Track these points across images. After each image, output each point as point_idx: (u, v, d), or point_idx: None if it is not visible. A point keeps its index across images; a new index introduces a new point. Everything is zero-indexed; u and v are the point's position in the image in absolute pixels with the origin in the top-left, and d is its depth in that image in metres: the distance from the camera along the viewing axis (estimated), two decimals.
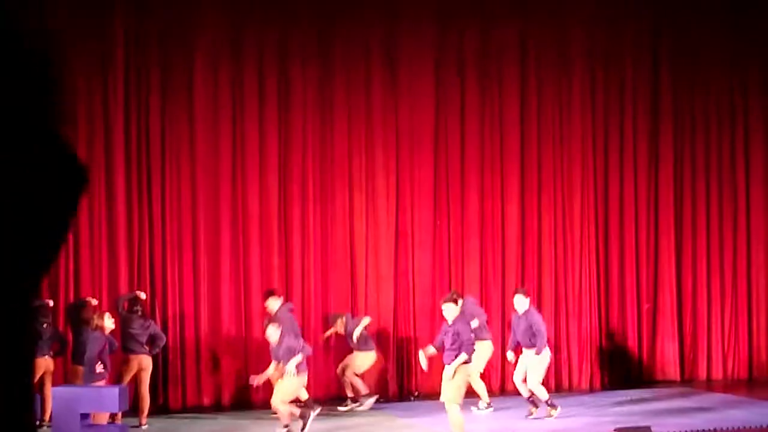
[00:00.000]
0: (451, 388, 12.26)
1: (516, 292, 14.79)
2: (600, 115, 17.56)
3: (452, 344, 12.25)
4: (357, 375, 15.17)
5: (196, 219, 15.97)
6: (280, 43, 16.27)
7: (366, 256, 16.61)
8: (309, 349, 13.67)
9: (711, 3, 17.91)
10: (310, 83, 16.40)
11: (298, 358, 13.28)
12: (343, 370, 15.21)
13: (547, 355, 14.28)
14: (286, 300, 15.39)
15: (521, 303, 14.44)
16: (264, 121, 16.22)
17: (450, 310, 12.53)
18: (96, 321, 13.21)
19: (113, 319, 13.43)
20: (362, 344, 15.20)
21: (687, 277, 17.88)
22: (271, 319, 14.04)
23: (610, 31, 17.58)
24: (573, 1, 17.46)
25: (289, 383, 13.26)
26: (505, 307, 15.67)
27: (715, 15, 17.88)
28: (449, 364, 12.23)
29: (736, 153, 18.09)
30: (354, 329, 15.19)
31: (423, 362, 12.81)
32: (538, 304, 16.97)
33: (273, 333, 13.53)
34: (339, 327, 15.44)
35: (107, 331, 13.15)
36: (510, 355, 14.59)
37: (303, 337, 14.76)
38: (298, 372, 13.27)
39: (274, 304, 14.62)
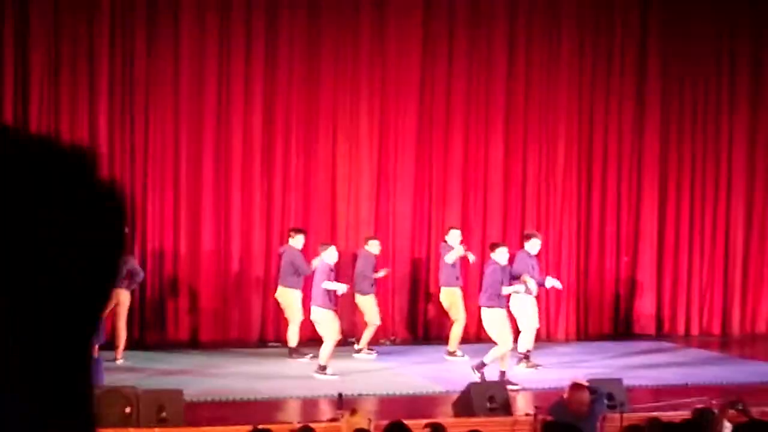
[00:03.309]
0: None
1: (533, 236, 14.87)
2: (587, 66, 17.51)
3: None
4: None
5: (179, 156, 15.92)
6: None
7: (347, 199, 16.61)
8: None
9: None
10: (298, 25, 16.29)
11: None
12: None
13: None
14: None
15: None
16: (250, 61, 16.13)
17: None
18: None
19: None
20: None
21: (669, 232, 17.92)
22: None
23: None
24: None
25: None
26: (485, 254, 15.66)
27: None
28: None
29: (721, 110, 18.08)
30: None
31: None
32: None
33: None
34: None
35: None
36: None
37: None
38: None
39: None
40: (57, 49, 15.37)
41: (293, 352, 14.76)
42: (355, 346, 15.18)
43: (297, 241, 14.94)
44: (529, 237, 14.74)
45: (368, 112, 16.65)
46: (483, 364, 13.06)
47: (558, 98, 17.36)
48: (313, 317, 13.68)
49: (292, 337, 14.82)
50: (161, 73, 15.79)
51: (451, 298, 15.18)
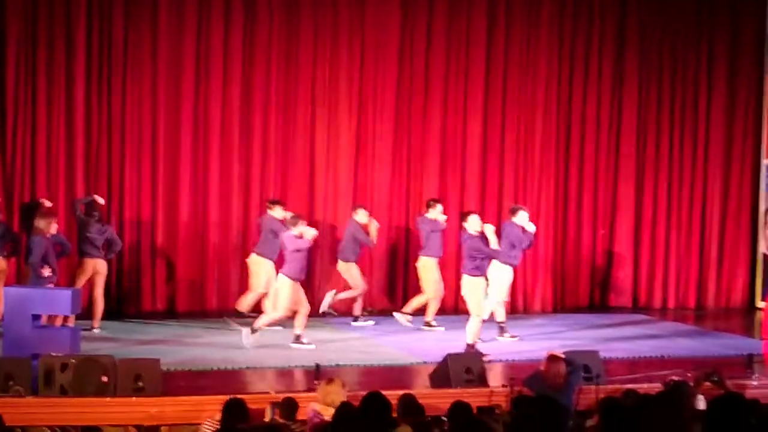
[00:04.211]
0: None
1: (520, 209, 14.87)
2: (567, 38, 17.47)
3: None
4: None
5: (156, 124, 15.85)
6: None
7: (325, 169, 16.58)
8: None
9: None
10: None
11: None
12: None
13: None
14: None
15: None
16: (229, 30, 16.05)
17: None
18: (36, 224, 13.11)
19: (56, 225, 13.35)
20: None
21: (647, 205, 17.94)
22: None
23: None
24: None
25: None
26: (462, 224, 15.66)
27: None
28: None
29: (699, 84, 18.07)
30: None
31: None
32: (497, 223, 17.05)
33: None
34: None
35: (48, 235, 13.07)
36: None
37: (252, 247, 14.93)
38: None
39: None
40: (34, 18, 15.24)
41: (237, 316, 14.81)
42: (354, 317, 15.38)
43: (276, 213, 14.93)
44: (515, 211, 14.74)
45: (347, 82, 16.59)
46: (473, 344, 13.04)
47: (537, 70, 17.32)
48: (278, 287, 13.69)
49: (246, 303, 14.90)
50: (139, 42, 15.70)
51: (430, 269, 15.18)
